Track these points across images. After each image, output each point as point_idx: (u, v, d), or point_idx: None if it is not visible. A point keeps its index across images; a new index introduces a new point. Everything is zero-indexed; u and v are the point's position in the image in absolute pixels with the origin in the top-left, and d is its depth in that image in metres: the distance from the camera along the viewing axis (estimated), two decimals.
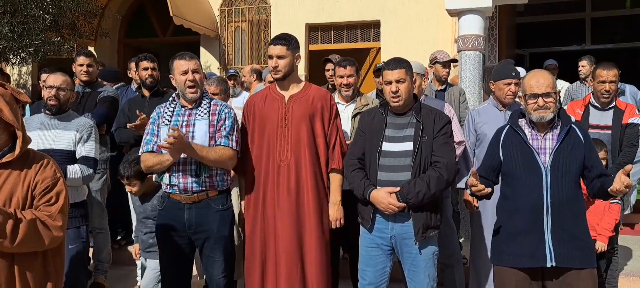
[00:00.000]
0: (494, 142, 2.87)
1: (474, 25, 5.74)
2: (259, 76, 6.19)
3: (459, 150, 3.58)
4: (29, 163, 2.23)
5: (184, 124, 3.09)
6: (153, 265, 3.43)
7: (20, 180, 2.18)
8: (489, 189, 2.74)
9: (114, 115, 4.58)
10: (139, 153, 3.16)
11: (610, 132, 4.00)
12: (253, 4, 8.40)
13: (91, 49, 7.82)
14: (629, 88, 6.02)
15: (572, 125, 2.74)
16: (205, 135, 3.05)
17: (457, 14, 5.86)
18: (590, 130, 3.60)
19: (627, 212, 4.45)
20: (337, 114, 3.27)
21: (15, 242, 2.07)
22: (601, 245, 3.68)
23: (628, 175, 2.47)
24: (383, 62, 4.47)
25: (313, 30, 8.21)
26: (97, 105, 4.59)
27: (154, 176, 4.01)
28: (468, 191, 2.87)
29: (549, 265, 2.61)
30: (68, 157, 3.33)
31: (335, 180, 3.18)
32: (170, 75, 3.17)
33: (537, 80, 2.69)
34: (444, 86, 4.95)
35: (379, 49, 7.85)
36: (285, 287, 3.07)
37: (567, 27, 10.00)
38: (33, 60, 7.43)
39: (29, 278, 2.19)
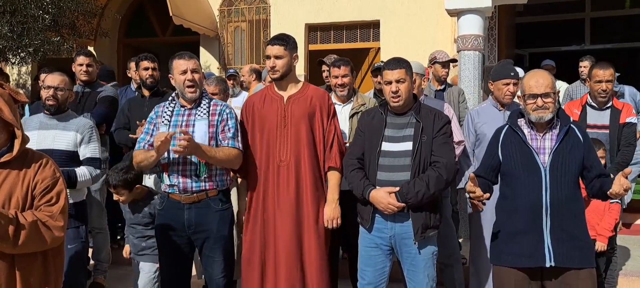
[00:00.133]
0: (493, 141, 2.87)
1: (473, 25, 5.74)
2: (258, 76, 6.19)
3: (458, 150, 3.59)
4: (28, 163, 2.23)
5: (184, 123, 3.09)
6: (147, 268, 3.42)
7: (19, 180, 2.18)
8: (487, 195, 2.74)
9: (113, 115, 4.59)
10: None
11: (607, 131, 4.01)
12: (253, 4, 8.39)
13: (91, 48, 7.81)
14: (628, 89, 6.02)
15: (571, 125, 2.74)
16: (205, 135, 3.05)
17: (456, 13, 5.86)
18: (588, 130, 3.60)
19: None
20: (335, 113, 3.28)
21: (18, 244, 2.07)
22: (601, 245, 3.68)
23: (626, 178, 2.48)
24: (381, 61, 4.47)
25: (313, 30, 8.20)
26: (97, 105, 4.59)
27: (144, 183, 4.01)
28: (467, 195, 2.88)
29: (548, 265, 2.61)
30: (67, 157, 3.33)
31: (332, 178, 3.17)
32: (169, 75, 3.17)
33: (537, 80, 2.69)
34: (443, 86, 4.95)
35: (379, 48, 7.85)
36: (285, 287, 3.07)
37: (567, 27, 9.99)
38: (32, 60, 7.42)
39: (29, 279, 2.19)
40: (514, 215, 2.70)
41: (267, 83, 5.05)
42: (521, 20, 9.41)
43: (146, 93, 4.52)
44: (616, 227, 3.82)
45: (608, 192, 2.54)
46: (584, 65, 6.43)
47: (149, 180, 4.19)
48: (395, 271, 3.12)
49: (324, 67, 5.05)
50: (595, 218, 3.69)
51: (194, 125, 3.07)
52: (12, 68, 8.43)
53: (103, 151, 4.41)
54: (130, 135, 4.08)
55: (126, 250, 3.59)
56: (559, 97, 3.10)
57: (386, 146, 2.96)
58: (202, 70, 3.32)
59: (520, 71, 4.13)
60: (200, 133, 3.05)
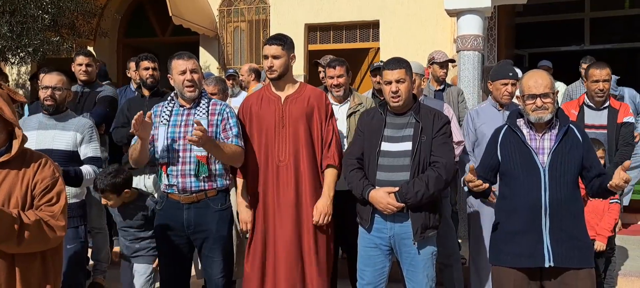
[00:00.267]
0: (492, 141, 2.87)
1: (473, 25, 5.74)
2: (257, 76, 6.18)
3: (458, 150, 3.58)
4: (27, 163, 2.23)
5: (183, 123, 3.09)
6: (142, 270, 3.41)
7: (18, 179, 2.18)
8: (487, 185, 2.74)
9: (112, 115, 4.58)
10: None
11: (605, 131, 4.02)
12: (252, 4, 8.39)
13: (90, 48, 7.80)
14: (627, 91, 6.01)
15: (571, 125, 2.74)
16: None
17: (456, 14, 5.86)
18: (586, 130, 3.61)
19: None
20: (333, 113, 3.28)
21: (22, 243, 2.08)
22: (600, 245, 3.68)
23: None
24: (380, 61, 4.46)
25: (312, 30, 8.20)
26: (96, 104, 4.59)
27: (144, 183, 3.98)
28: (465, 188, 2.88)
29: (547, 265, 2.61)
30: (67, 157, 3.32)
31: (329, 175, 3.16)
32: (168, 75, 3.17)
33: (536, 80, 2.69)
34: (442, 86, 4.95)
35: (378, 49, 7.85)
36: (285, 287, 3.07)
37: (566, 27, 9.99)
38: (32, 60, 7.41)
39: (29, 278, 2.19)
40: (513, 215, 2.70)
41: (266, 83, 5.04)
42: (521, 21, 9.41)
43: (146, 93, 4.52)
44: (615, 227, 3.82)
45: (608, 185, 2.54)
46: (585, 67, 6.41)
47: (148, 181, 4.19)
48: (395, 271, 3.12)
49: (320, 68, 5.05)
50: (595, 219, 3.69)
51: (193, 125, 3.06)
52: (12, 68, 8.43)
53: (102, 151, 4.40)
54: (130, 131, 4.06)
55: (115, 252, 3.58)
56: (557, 97, 3.09)
57: (385, 146, 2.96)
58: (202, 70, 3.31)
59: (518, 72, 4.12)
60: None
